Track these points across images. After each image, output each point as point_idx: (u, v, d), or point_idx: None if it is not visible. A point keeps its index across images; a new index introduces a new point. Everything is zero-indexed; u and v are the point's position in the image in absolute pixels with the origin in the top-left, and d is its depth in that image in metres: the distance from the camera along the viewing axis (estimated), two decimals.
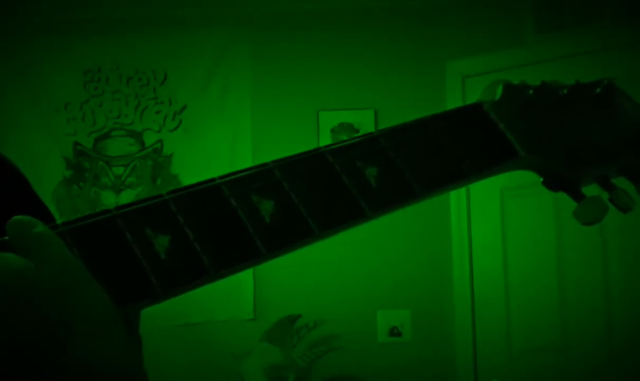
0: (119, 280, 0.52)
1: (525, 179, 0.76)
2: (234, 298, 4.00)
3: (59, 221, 0.54)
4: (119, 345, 0.49)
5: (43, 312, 0.46)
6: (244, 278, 3.96)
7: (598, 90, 0.74)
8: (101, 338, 0.48)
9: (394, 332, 4.02)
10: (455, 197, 3.95)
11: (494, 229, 3.95)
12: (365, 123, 4.11)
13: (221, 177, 0.57)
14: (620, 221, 3.35)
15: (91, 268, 0.50)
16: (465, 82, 4.07)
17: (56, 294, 0.47)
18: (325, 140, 4.07)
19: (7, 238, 0.50)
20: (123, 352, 0.49)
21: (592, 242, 3.66)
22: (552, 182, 0.73)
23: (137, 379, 0.50)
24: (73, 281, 0.49)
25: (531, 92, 0.72)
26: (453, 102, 4.03)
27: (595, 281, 3.70)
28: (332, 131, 4.12)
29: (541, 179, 0.74)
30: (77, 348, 0.47)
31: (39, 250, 0.49)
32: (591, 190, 0.73)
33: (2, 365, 0.45)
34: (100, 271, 0.51)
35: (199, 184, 0.56)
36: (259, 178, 0.58)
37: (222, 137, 4.17)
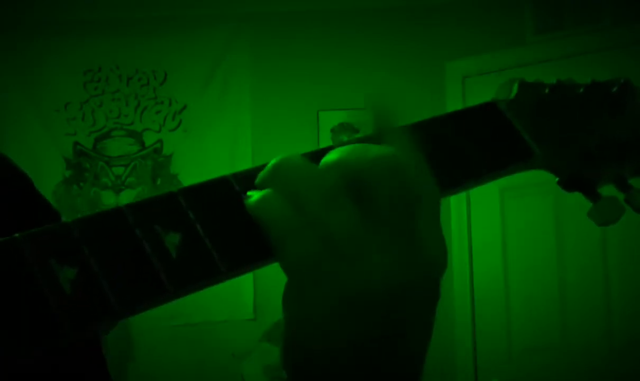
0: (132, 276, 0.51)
1: (525, 179, 0.76)
2: (234, 298, 4.00)
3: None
4: (441, 227, 0.54)
5: (414, 183, 0.52)
6: (244, 278, 3.95)
7: (614, 89, 0.74)
8: (438, 219, 0.54)
9: None
10: (455, 197, 3.94)
11: (494, 229, 3.95)
12: (366, 123, 4.11)
13: (233, 174, 0.56)
14: (621, 221, 3.35)
15: (101, 264, 0.50)
16: (465, 82, 4.07)
17: (420, 171, 0.53)
18: (326, 140, 4.07)
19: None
20: (442, 234, 0.54)
21: (592, 242, 3.66)
22: (568, 183, 0.72)
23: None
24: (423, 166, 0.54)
25: (547, 90, 0.72)
26: (453, 102, 4.03)
27: (595, 281, 3.71)
28: (332, 131, 4.12)
29: (546, 180, 0.74)
30: (430, 224, 0.53)
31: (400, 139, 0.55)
32: (606, 190, 0.73)
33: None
34: (111, 267, 0.50)
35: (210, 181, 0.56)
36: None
37: (222, 137, 4.17)
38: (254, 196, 0.51)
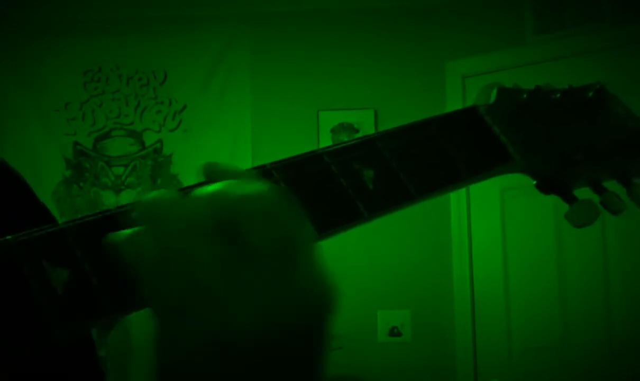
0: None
1: (525, 179, 0.77)
2: None
3: (59, 221, 0.54)
4: (322, 268, 0.51)
5: (290, 222, 0.49)
6: None
7: (590, 94, 0.75)
8: (316, 260, 0.51)
9: (394, 332, 4.02)
10: (455, 197, 3.95)
11: (494, 229, 3.95)
12: (365, 123, 4.11)
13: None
14: (621, 221, 3.36)
15: (93, 266, 0.51)
16: (465, 82, 4.07)
17: (294, 212, 0.50)
18: (325, 140, 4.07)
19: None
20: (325, 276, 0.51)
21: (592, 242, 3.66)
22: (545, 186, 0.73)
23: (334, 302, 0.52)
24: (294, 207, 0.51)
25: (525, 96, 0.73)
26: (453, 102, 4.03)
27: (595, 281, 3.70)
28: (332, 131, 4.12)
29: (534, 182, 0.75)
30: (306, 265, 0.49)
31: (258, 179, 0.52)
32: (583, 193, 0.74)
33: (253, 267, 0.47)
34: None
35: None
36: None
37: (222, 137, 4.17)
38: (122, 233, 0.49)
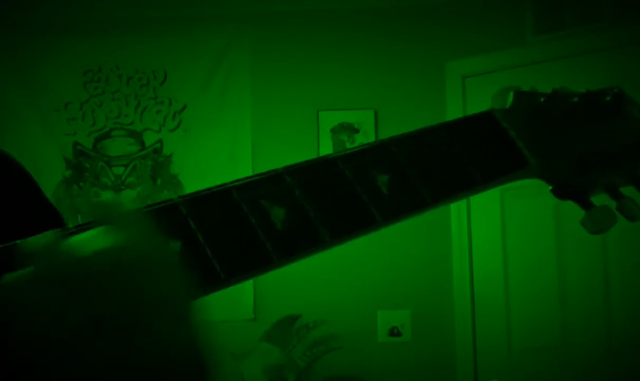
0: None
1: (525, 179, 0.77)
2: (234, 298, 4.00)
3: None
4: (194, 332, 0.48)
5: (140, 286, 0.46)
6: None
7: (607, 98, 0.74)
8: (179, 324, 0.47)
9: (394, 332, 4.02)
10: None
11: (494, 229, 3.95)
12: (365, 123, 4.11)
13: (232, 182, 0.57)
14: (621, 222, 3.35)
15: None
16: (465, 82, 4.07)
17: (145, 274, 0.46)
18: (325, 140, 4.07)
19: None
20: (196, 341, 0.48)
21: (592, 242, 3.66)
22: (561, 191, 0.73)
23: (208, 370, 0.49)
24: (162, 262, 0.48)
25: (542, 100, 0.72)
26: (453, 102, 4.03)
27: (595, 281, 3.70)
28: (332, 131, 4.11)
29: (549, 187, 0.74)
30: (154, 332, 0.46)
31: (128, 227, 0.47)
32: (599, 199, 0.73)
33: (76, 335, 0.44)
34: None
35: (212, 188, 0.56)
36: (270, 184, 0.58)
37: (222, 137, 4.17)
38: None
